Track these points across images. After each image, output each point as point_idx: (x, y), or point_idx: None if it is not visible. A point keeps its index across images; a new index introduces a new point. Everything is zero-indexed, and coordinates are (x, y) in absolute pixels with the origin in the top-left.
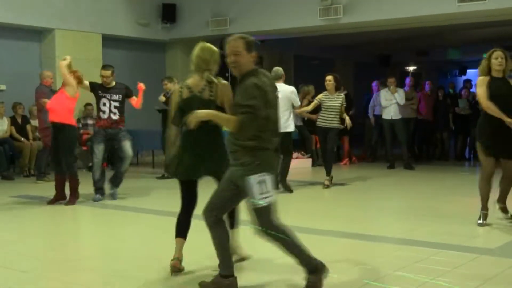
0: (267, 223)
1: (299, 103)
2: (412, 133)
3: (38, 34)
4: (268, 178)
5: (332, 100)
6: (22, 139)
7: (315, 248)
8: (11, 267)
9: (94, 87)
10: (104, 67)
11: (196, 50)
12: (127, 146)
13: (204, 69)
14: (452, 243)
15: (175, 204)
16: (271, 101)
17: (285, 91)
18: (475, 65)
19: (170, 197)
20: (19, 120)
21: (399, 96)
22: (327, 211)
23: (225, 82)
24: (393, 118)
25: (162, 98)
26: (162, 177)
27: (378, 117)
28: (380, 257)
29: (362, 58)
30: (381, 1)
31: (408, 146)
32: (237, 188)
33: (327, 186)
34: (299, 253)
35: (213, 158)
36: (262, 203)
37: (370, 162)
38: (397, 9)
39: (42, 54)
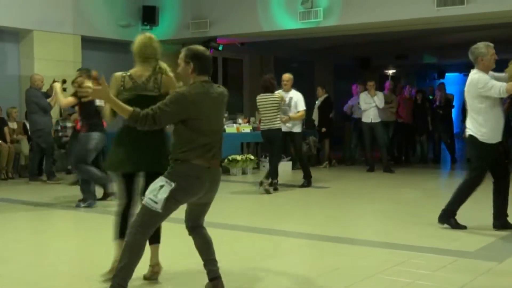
0: (136, 222)
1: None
2: (392, 136)
3: (15, 36)
4: (167, 189)
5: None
6: (0, 141)
7: (293, 251)
8: None
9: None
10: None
11: (143, 39)
12: None
13: (153, 58)
14: (431, 246)
15: None
16: (202, 114)
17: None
18: (453, 69)
19: None
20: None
21: (379, 99)
22: (306, 214)
23: (171, 74)
24: (372, 121)
25: None
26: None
27: (358, 120)
28: (360, 260)
29: (342, 61)
30: (360, 5)
31: (387, 149)
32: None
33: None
34: (127, 269)
35: (151, 155)
36: (145, 200)
37: (349, 165)
38: (376, 13)
39: (20, 56)
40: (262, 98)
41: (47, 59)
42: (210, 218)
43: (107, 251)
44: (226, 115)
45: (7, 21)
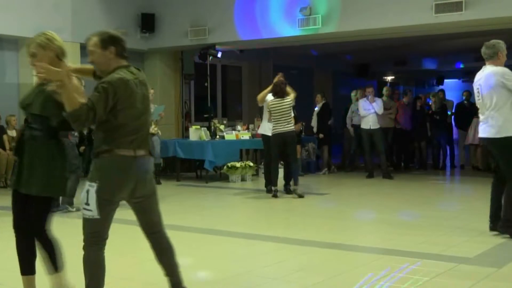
0: (83, 236)
1: None
2: (391, 142)
3: (14, 44)
4: (92, 190)
5: None
6: None
7: (294, 258)
8: None
9: None
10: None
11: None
12: None
13: None
14: (430, 252)
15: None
16: (130, 101)
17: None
18: (452, 75)
19: None
20: None
21: (377, 105)
22: (306, 220)
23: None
24: (371, 127)
25: None
26: None
27: (357, 127)
28: (359, 266)
29: (341, 67)
30: (359, 12)
31: (386, 156)
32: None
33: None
34: (94, 284)
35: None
36: (82, 212)
37: (349, 171)
38: (375, 20)
39: (20, 64)
40: (275, 102)
41: None
42: (210, 225)
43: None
44: (225, 121)
45: (6, 29)
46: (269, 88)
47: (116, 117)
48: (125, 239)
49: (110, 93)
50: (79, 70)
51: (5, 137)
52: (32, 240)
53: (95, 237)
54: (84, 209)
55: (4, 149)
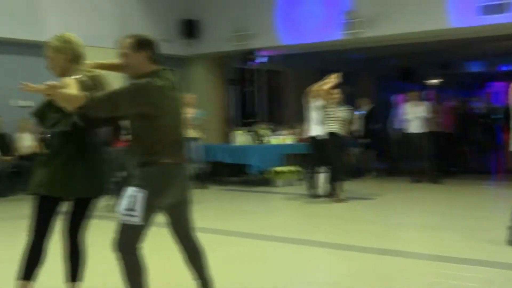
0: (119, 243)
1: None
2: (437, 146)
3: None
4: (140, 197)
5: None
6: None
7: (342, 264)
8: None
9: None
10: None
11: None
12: None
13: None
14: (482, 259)
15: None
16: (166, 108)
17: None
18: (497, 78)
19: None
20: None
21: (423, 109)
22: (353, 226)
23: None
24: (417, 131)
25: None
26: None
27: (402, 131)
28: (409, 273)
29: (385, 71)
30: (403, 15)
31: (433, 160)
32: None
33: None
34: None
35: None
36: (122, 219)
37: (395, 176)
38: (419, 23)
39: None
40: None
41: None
42: (255, 229)
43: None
44: (270, 126)
45: (50, 37)
46: (330, 84)
47: (153, 124)
48: None
49: (138, 96)
50: (104, 65)
51: None
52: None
53: (135, 242)
54: (128, 215)
55: None
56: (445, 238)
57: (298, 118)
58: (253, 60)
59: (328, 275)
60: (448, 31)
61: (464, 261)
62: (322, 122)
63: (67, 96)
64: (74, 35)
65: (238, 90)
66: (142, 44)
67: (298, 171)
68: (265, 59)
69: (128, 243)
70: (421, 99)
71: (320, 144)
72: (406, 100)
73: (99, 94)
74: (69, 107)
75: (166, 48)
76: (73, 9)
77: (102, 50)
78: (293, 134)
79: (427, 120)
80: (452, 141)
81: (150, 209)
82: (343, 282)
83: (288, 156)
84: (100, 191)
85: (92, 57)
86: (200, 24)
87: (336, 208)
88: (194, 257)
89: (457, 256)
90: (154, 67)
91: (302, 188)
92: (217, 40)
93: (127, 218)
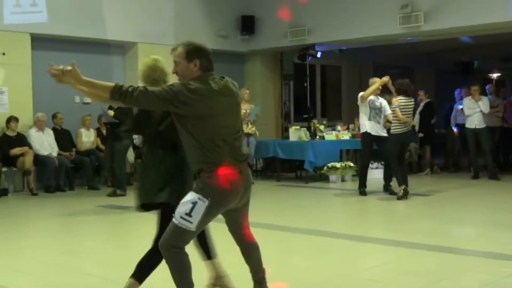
0: (166, 242)
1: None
2: (497, 142)
3: (121, 48)
4: (203, 205)
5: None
6: None
7: (398, 261)
8: (93, 274)
9: None
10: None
11: (149, 61)
12: None
13: (162, 80)
14: None
15: None
16: (215, 111)
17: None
18: None
19: None
20: (104, 132)
21: (483, 104)
22: (409, 222)
23: None
24: (477, 127)
25: (111, 112)
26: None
27: (462, 126)
28: (467, 271)
29: (443, 65)
30: (462, 8)
31: (493, 156)
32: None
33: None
34: (187, 285)
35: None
36: (177, 221)
37: (452, 172)
38: (479, 15)
39: (126, 68)
40: (404, 101)
41: None
42: (311, 225)
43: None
44: (325, 121)
45: (113, 35)
46: (377, 85)
47: (205, 129)
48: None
49: (201, 96)
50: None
51: None
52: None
53: (183, 244)
54: (182, 218)
55: None
56: (503, 236)
57: (353, 114)
58: (311, 55)
59: (382, 272)
60: (509, 24)
61: None
62: (378, 121)
63: (93, 84)
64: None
65: (293, 86)
66: (195, 53)
67: (353, 167)
68: (320, 54)
69: (174, 244)
70: (482, 93)
71: (376, 141)
72: (466, 95)
73: (148, 87)
74: (98, 95)
75: (224, 44)
76: (133, 7)
77: (162, 47)
78: (348, 129)
79: (487, 115)
80: None
81: (208, 218)
82: (396, 279)
83: (343, 151)
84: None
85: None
86: (257, 20)
87: (392, 204)
88: (247, 251)
89: None
90: (204, 74)
91: (357, 184)
92: (274, 36)
93: (182, 221)
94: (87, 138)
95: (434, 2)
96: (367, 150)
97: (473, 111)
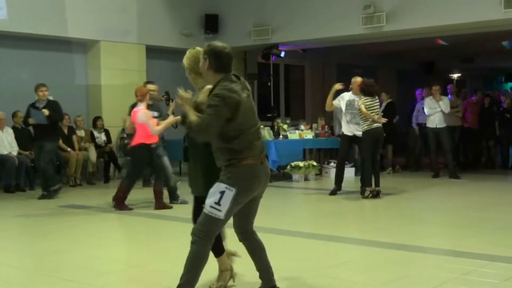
0: (199, 230)
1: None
2: (458, 141)
3: (83, 46)
4: (230, 194)
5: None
6: (69, 149)
7: (360, 259)
8: (56, 276)
9: None
10: (152, 82)
11: (196, 53)
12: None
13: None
14: (500, 255)
15: None
16: (241, 107)
17: None
18: None
19: None
20: (66, 131)
21: (444, 104)
22: (371, 221)
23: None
24: (437, 126)
25: (45, 111)
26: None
27: (422, 126)
28: (427, 269)
29: (405, 65)
30: (424, 9)
31: (453, 155)
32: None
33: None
34: (193, 276)
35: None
36: (207, 211)
37: (414, 171)
38: (441, 16)
39: (88, 66)
40: (370, 101)
41: (113, 68)
42: (275, 224)
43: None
44: (288, 121)
45: (75, 32)
46: (332, 92)
47: (234, 126)
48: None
49: (222, 107)
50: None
51: (74, 137)
52: None
53: (213, 234)
54: (212, 207)
55: (73, 149)
56: (464, 234)
57: (316, 113)
58: (275, 54)
59: (345, 270)
60: (471, 25)
61: (482, 256)
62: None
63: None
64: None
65: (257, 85)
66: (207, 54)
67: (316, 166)
68: (283, 54)
69: (207, 232)
70: (443, 93)
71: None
72: (427, 95)
73: (198, 118)
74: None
75: (187, 43)
76: (95, 4)
77: (125, 45)
78: (311, 128)
79: (447, 115)
80: (475, 136)
81: (235, 206)
82: (358, 276)
83: (307, 151)
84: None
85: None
86: (221, 19)
87: (355, 203)
88: (254, 250)
89: (476, 252)
90: (220, 75)
91: (321, 183)
92: (238, 34)
93: (212, 210)
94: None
95: (396, 3)
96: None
97: (434, 110)
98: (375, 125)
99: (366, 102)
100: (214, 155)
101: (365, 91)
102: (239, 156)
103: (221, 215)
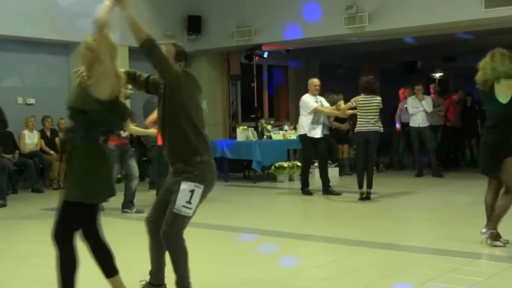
0: (174, 231)
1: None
2: (440, 140)
3: (65, 48)
4: (199, 192)
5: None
6: (52, 152)
7: (345, 258)
8: (39, 279)
9: None
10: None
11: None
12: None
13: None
14: (484, 253)
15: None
16: (197, 97)
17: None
18: None
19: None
20: (48, 133)
21: (427, 103)
22: (355, 220)
23: None
24: (420, 125)
25: None
26: None
27: (405, 125)
28: (412, 267)
29: (388, 65)
30: (406, 8)
31: (436, 154)
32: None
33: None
34: (187, 273)
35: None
36: (177, 209)
37: (397, 170)
38: (422, 16)
39: (70, 68)
40: (364, 100)
41: None
42: (259, 225)
43: None
44: (272, 121)
45: (57, 34)
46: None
47: (190, 117)
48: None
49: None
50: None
51: (57, 139)
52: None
53: (183, 230)
54: (184, 207)
55: (57, 152)
56: (447, 232)
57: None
58: (257, 55)
59: (329, 270)
60: (453, 24)
61: (466, 254)
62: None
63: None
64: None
65: (240, 86)
66: (180, 55)
67: (300, 166)
68: (266, 54)
69: (179, 231)
70: (425, 93)
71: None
72: (410, 94)
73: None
74: (135, 33)
75: None
76: (77, 6)
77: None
78: (295, 129)
79: (430, 114)
80: (458, 134)
81: (201, 202)
82: (342, 276)
83: (291, 151)
84: None
85: None
86: (204, 20)
87: (340, 203)
88: (158, 250)
89: (459, 250)
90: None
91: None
92: (221, 36)
93: (184, 209)
94: (31, 140)
95: (378, 3)
96: (308, 151)
97: (417, 110)
98: (366, 126)
99: (360, 100)
100: (168, 153)
101: (366, 88)
102: (202, 152)
103: (191, 212)
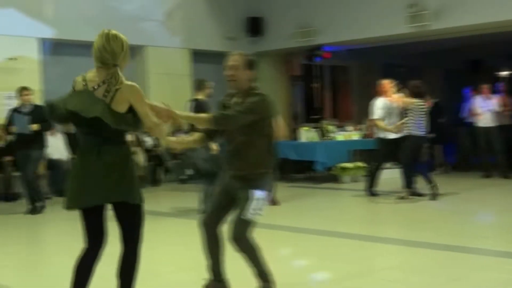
0: (245, 235)
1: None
2: (509, 140)
3: (131, 52)
4: (264, 199)
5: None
6: None
7: (413, 260)
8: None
9: None
10: None
11: (99, 39)
12: None
13: (111, 64)
14: None
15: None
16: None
17: None
18: None
19: None
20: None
21: (494, 102)
22: (422, 222)
23: (130, 83)
24: (487, 125)
25: (34, 127)
26: None
27: (472, 125)
28: (481, 270)
29: (452, 64)
30: (470, 6)
31: (504, 154)
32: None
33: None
34: (262, 265)
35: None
36: (250, 216)
37: (464, 171)
38: (487, 13)
39: (137, 70)
40: (417, 103)
41: (159, 73)
42: (325, 226)
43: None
44: (335, 122)
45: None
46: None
47: (268, 135)
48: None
49: (256, 113)
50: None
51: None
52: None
53: (251, 233)
54: (256, 214)
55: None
56: None
57: (363, 114)
58: (318, 56)
59: (396, 272)
60: None
61: None
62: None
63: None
64: None
65: (303, 87)
66: (252, 65)
67: (364, 167)
68: (329, 55)
69: (249, 234)
70: (492, 92)
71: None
72: (476, 93)
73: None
74: (200, 125)
75: (232, 46)
76: (141, 11)
77: (170, 49)
78: (359, 129)
79: (497, 114)
80: None
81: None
82: (411, 279)
83: (354, 152)
84: None
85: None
86: (265, 21)
87: (405, 205)
88: (215, 244)
89: None
90: (253, 85)
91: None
92: (282, 37)
93: (257, 216)
94: None
95: (441, 1)
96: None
97: (484, 109)
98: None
99: (418, 105)
100: (237, 161)
101: (415, 93)
102: (270, 165)
103: (259, 217)
